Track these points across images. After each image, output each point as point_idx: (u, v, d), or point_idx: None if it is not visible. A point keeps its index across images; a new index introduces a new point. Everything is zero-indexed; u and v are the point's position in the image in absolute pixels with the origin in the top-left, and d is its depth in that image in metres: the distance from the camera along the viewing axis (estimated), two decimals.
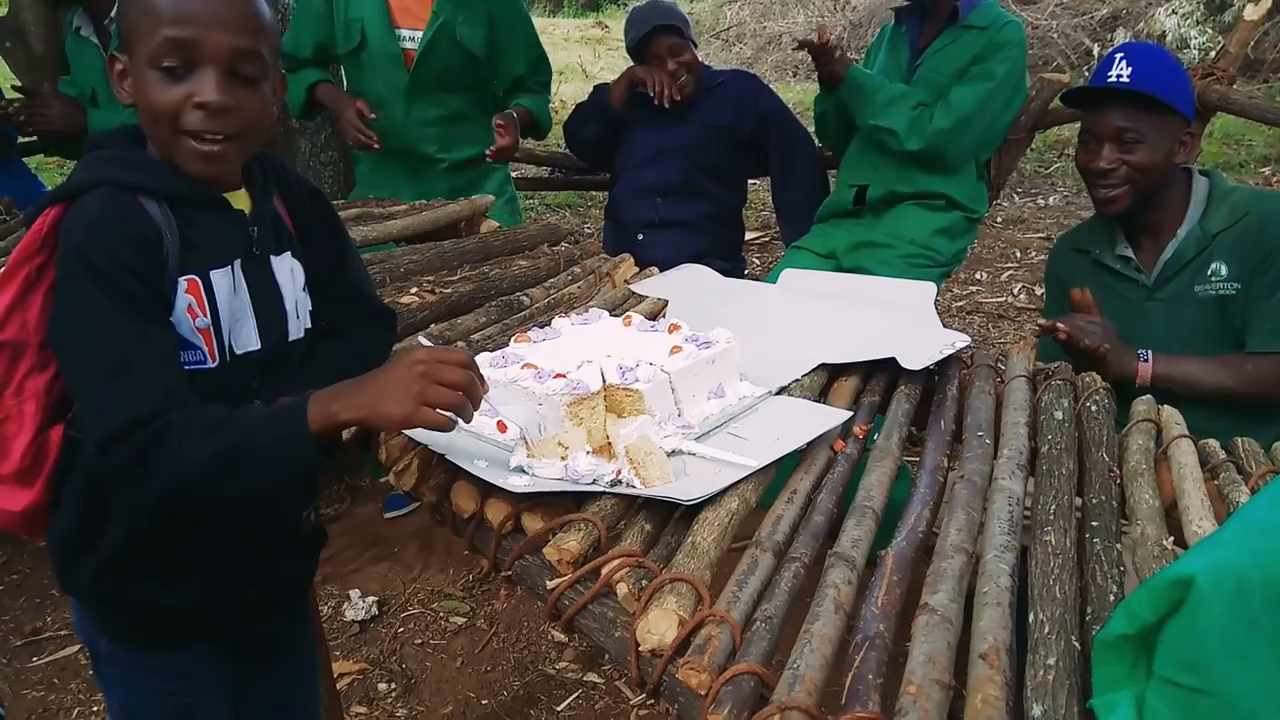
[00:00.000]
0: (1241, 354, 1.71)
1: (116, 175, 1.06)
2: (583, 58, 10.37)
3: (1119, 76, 1.74)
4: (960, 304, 4.52)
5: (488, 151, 2.70)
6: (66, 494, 1.13)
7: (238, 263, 1.13)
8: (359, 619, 2.50)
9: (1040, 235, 5.34)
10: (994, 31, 2.47)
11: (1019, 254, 5.11)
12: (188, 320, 1.08)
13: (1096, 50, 7.78)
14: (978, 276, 4.83)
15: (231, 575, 1.19)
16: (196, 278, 1.08)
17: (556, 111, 3.92)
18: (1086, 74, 1.94)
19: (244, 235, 1.14)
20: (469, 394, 1.04)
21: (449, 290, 1.85)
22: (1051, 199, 6.07)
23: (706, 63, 2.93)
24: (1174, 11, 8.00)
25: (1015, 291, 4.63)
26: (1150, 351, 1.69)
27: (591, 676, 2.30)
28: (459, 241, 2.19)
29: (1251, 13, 3.37)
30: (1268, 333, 1.69)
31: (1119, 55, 1.76)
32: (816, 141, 3.07)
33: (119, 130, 1.15)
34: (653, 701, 2.17)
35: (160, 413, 0.99)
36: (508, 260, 2.13)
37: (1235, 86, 3.33)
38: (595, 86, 2.97)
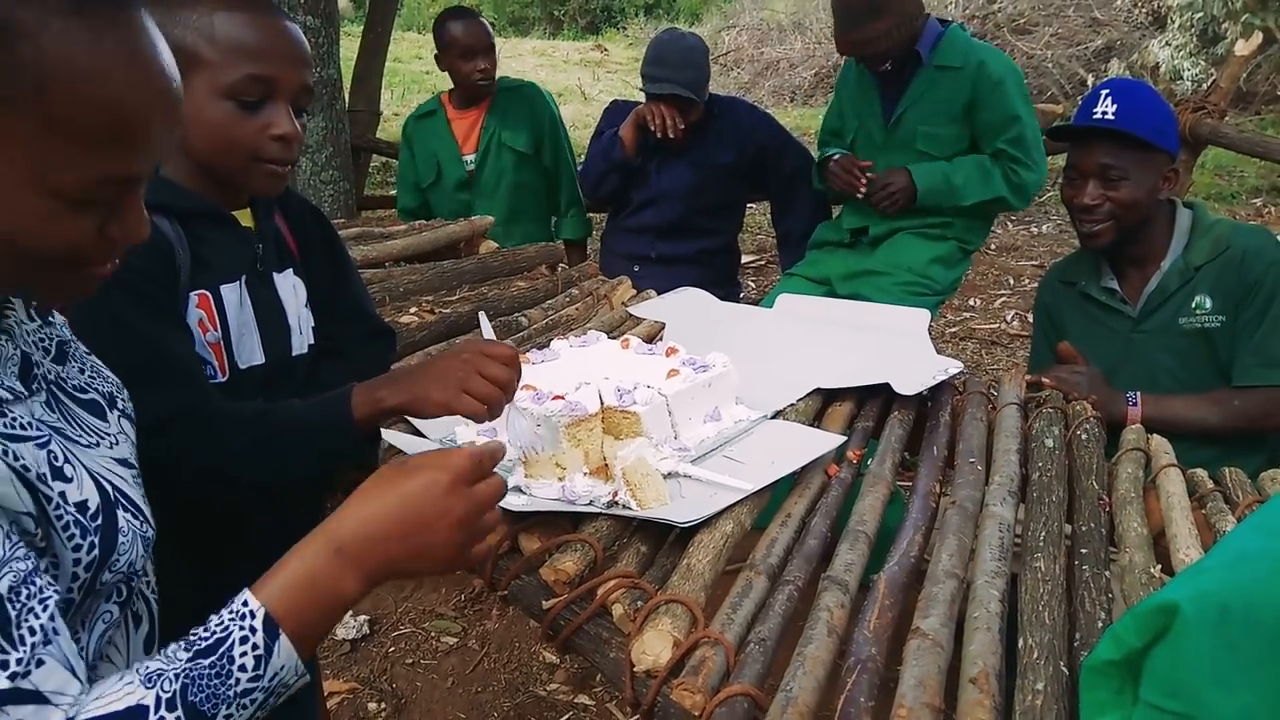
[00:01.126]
0: (1227, 389, 1.73)
1: None
2: (581, 80, 10.44)
3: (1104, 114, 1.76)
4: (954, 330, 4.55)
5: None
6: None
7: (244, 278, 1.15)
8: (349, 637, 2.50)
9: (1033, 263, 5.38)
10: (975, 68, 2.44)
11: (1012, 281, 5.15)
12: (198, 335, 1.10)
13: (1091, 80, 7.86)
14: (971, 303, 4.86)
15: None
16: (207, 293, 1.11)
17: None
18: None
19: (250, 252, 1.17)
20: (507, 392, 1.08)
21: (448, 310, 1.87)
22: (1045, 227, 6.12)
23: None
24: (1167, 44, 8.09)
25: (1009, 318, 4.66)
26: (1138, 394, 1.71)
27: (583, 698, 2.30)
28: (458, 262, 2.21)
29: (1242, 47, 3.43)
30: (1252, 367, 1.71)
31: (1104, 92, 1.78)
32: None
33: None
34: None
35: (195, 405, 1.02)
36: (506, 281, 2.15)
37: (1226, 119, 3.38)
38: (609, 139, 2.86)
